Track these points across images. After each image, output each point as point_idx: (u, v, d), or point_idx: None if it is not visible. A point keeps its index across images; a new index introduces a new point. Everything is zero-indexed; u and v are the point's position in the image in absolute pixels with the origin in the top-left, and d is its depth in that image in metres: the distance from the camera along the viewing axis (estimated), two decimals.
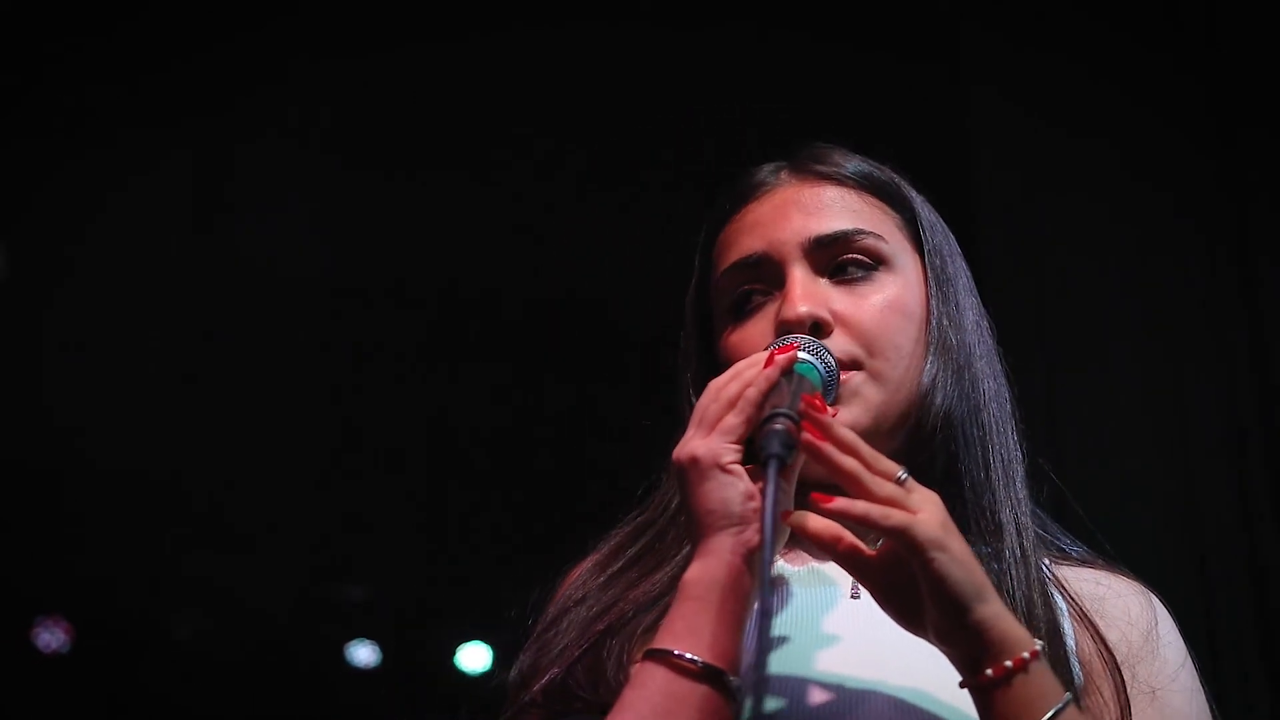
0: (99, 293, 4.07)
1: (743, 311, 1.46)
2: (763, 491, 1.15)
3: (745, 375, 1.26)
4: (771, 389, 1.24)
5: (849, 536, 1.19)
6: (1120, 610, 1.41)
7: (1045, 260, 3.89)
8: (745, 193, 1.52)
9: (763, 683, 1.07)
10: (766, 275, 1.45)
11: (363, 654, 4.18)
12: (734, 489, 1.20)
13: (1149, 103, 3.84)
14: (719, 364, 1.45)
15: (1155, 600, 1.46)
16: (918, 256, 1.49)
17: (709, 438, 1.22)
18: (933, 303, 1.47)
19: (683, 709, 1.15)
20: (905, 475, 1.19)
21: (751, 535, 1.19)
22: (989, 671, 1.15)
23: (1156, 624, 1.42)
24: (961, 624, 1.15)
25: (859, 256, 1.44)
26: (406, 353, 4.12)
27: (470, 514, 4.28)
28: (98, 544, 4.07)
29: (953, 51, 3.95)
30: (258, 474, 4.09)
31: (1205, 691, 1.41)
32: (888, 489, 1.17)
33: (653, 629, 1.30)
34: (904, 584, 1.17)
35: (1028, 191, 3.91)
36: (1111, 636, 1.36)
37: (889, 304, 1.43)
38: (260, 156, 3.99)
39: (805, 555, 1.42)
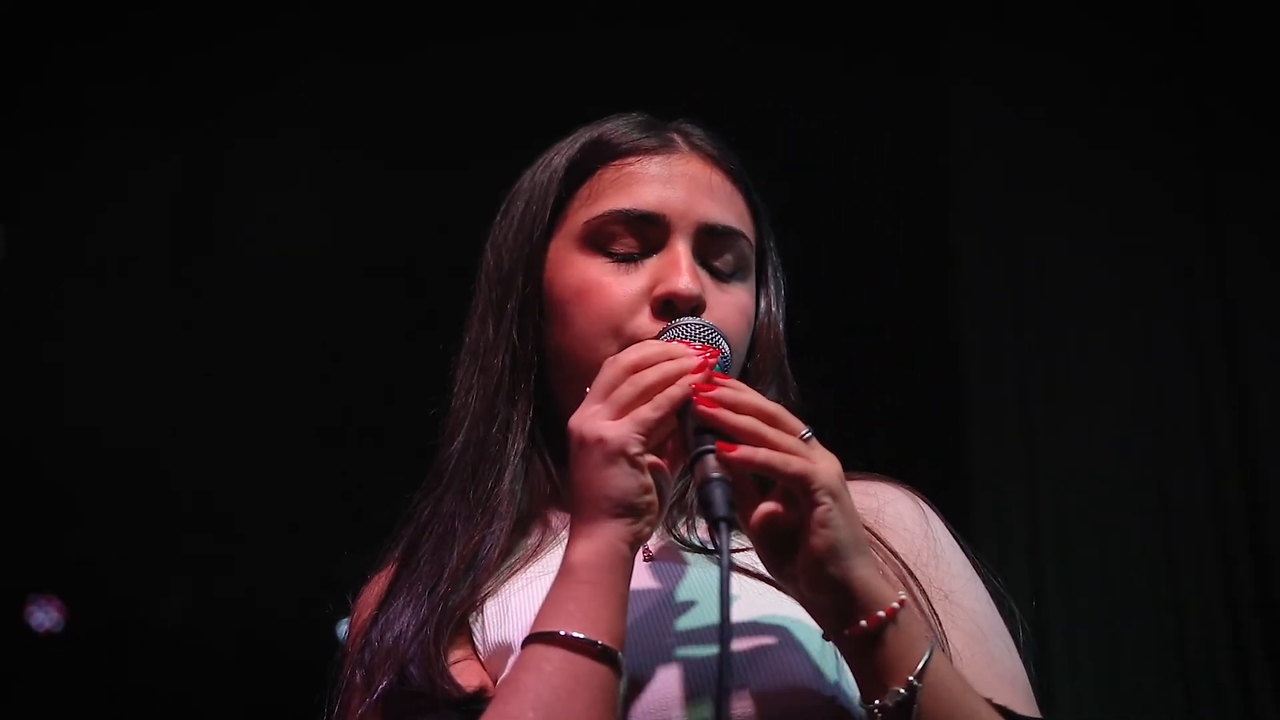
0: (96, 275, 4.09)
1: (611, 256, 1.44)
2: (718, 548, 1.14)
3: (666, 368, 1.25)
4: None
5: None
6: (894, 516, 1.43)
7: (1023, 245, 3.95)
8: (633, 143, 1.50)
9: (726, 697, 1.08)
10: (649, 235, 1.44)
11: None
12: (636, 480, 1.21)
13: (1128, 90, 3.90)
14: (555, 295, 1.46)
15: (920, 500, 1.49)
16: (757, 273, 1.53)
17: (620, 422, 1.22)
18: (759, 324, 1.52)
19: (583, 689, 1.16)
20: (809, 434, 1.23)
21: (643, 528, 1.22)
22: (863, 623, 1.18)
23: (928, 524, 1.45)
24: (838, 573, 1.18)
25: (731, 259, 1.47)
26: (399, 335, 4.14)
27: None
28: (91, 523, 4.08)
29: (931, 43, 4.00)
30: (252, 454, 4.11)
31: (982, 573, 1.43)
32: (789, 441, 1.20)
33: (463, 621, 1.34)
34: (785, 533, 1.21)
35: (1005, 178, 3.97)
36: (897, 545, 1.40)
37: (742, 310, 1.46)
38: (254, 148, 4.03)
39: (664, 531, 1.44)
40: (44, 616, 4.25)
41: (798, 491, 1.19)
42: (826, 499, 1.18)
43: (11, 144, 3.79)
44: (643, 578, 1.38)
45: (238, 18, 3.78)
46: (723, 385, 1.25)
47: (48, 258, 4.06)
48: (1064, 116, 3.91)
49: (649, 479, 1.22)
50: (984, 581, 1.44)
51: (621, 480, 1.21)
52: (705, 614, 1.33)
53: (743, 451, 1.19)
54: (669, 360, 1.26)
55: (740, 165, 1.54)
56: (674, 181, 1.47)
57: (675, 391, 1.23)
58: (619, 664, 1.19)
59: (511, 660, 1.26)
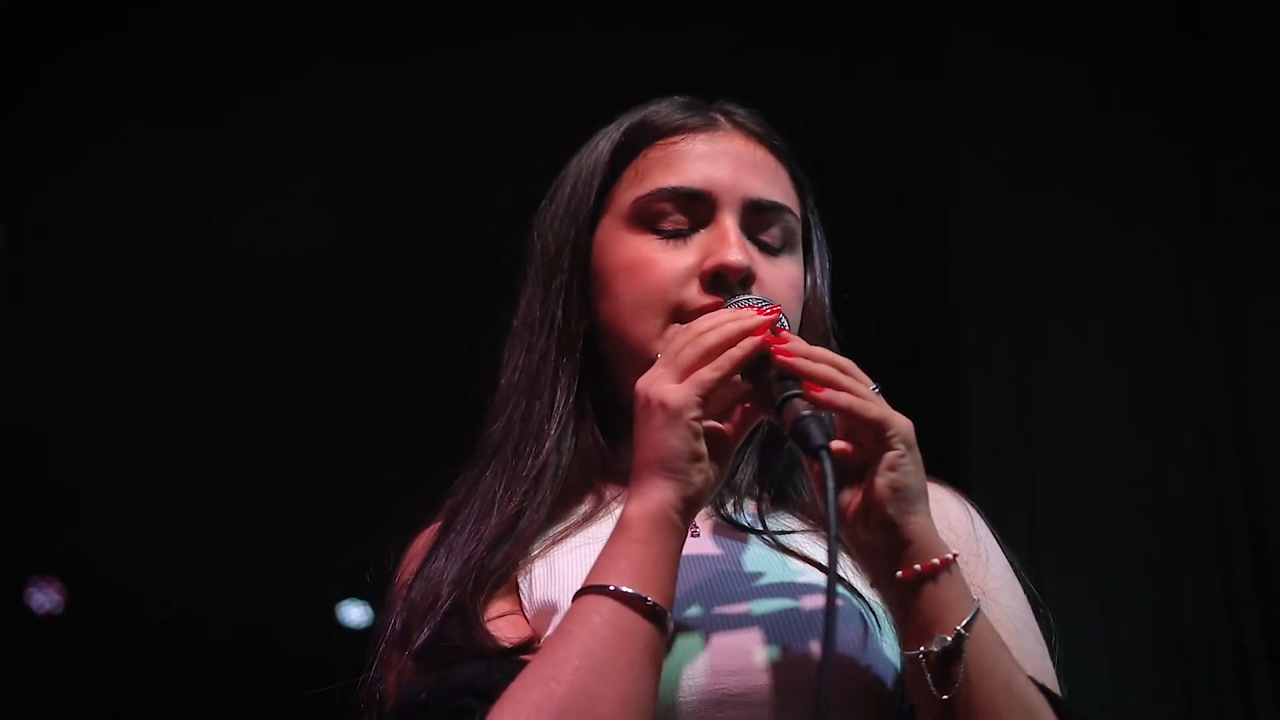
0: (98, 266, 4.11)
1: (660, 233, 1.47)
2: (822, 479, 1.17)
3: (728, 329, 1.27)
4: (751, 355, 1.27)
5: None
6: (940, 515, 1.43)
7: (1023, 245, 3.95)
8: (677, 122, 1.52)
9: (828, 673, 1.12)
10: (697, 211, 1.46)
11: (354, 614, 4.19)
12: (688, 446, 1.23)
13: (1128, 89, 3.90)
14: (605, 272, 1.49)
15: (967, 502, 1.52)
16: (803, 247, 1.54)
17: (681, 386, 1.24)
18: (809, 296, 1.54)
19: (630, 642, 1.19)
20: (878, 389, 1.26)
21: (693, 494, 1.24)
22: (917, 567, 1.21)
23: (974, 525, 1.48)
24: (899, 516, 1.21)
25: (778, 233, 1.48)
26: (399, 334, 4.16)
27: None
28: (90, 519, 4.08)
29: (932, 43, 4.00)
30: (250, 435, 4.12)
31: (1021, 578, 1.46)
32: (865, 390, 1.24)
33: (511, 580, 1.38)
34: (849, 472, 1.24)
35: (1005, 178, 3.97)
36: None
37: (792, 283, 1.48)
38: (254, 148, 4.04)
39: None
40: (44, 598, 4.25)
41: (871, 437, 1.22)
42: (900, 445, 1.22)
43: (12, 144, 3.80)
44: (699, 547, 1.41)
45: (238, 18, 3.79)
46: (795, 339, 1.28)
47: (48, 257, 4.06)
48: (1064, 116, 3.91)
49: (703, 447, 1.24)
50: (1023, 587, 1.46)
51: (675, 444, 1.23)
52: (766, 580, 1.36)
53: (827, 393, 1.23)
54: (733, 322, 1.28)
55: (783, 142, 1.56)
56: (719, 158, 1.48)
57: (736, 352, 1.26)
58: (666, 622, 1.21)
59: (556, 619, 1.28)
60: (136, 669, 4.12)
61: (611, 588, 1.20)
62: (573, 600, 1.23)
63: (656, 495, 1.24)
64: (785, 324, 1.37)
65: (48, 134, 3.88)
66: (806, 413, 1.21)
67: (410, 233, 4.07)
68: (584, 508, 1.48)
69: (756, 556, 1.41)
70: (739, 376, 1.27)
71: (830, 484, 1.15)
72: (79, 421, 4.05)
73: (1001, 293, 3.92)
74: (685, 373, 1.25)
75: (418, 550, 1.50)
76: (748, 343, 1.26)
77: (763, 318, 1.29)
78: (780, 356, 1.25)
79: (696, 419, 1.23)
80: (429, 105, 3.91)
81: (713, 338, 1.27)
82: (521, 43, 3.80)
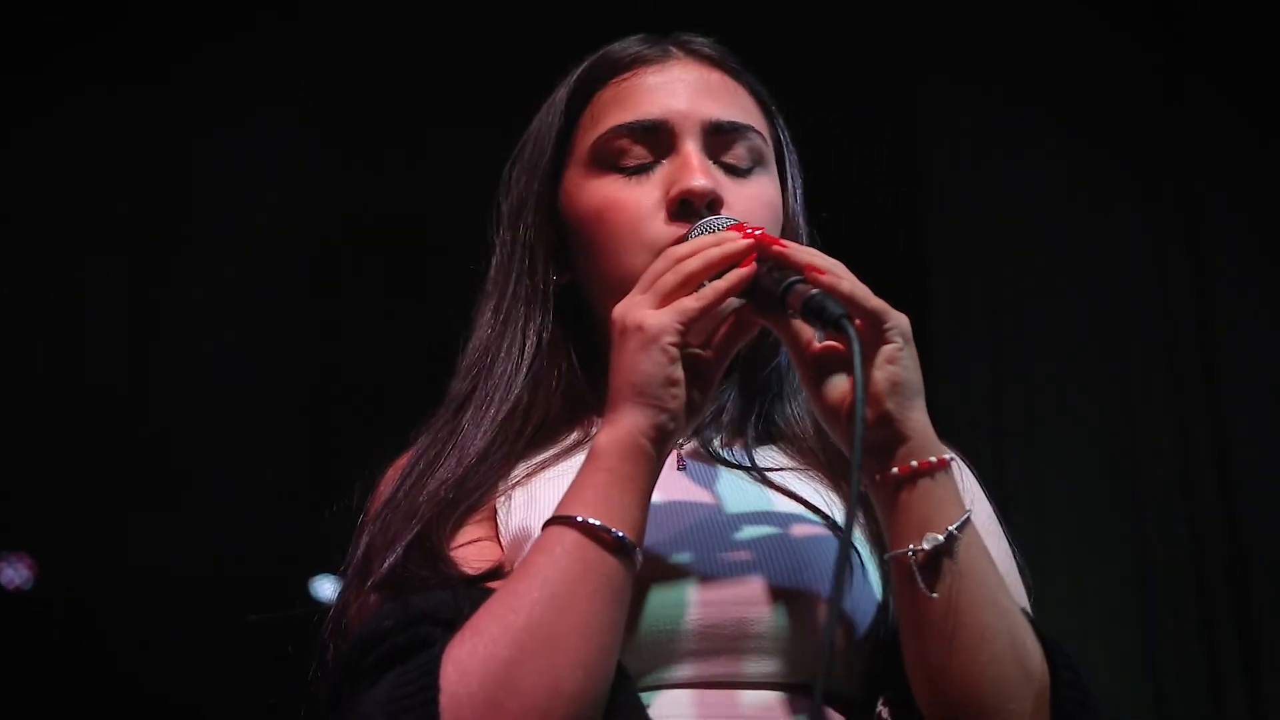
0: (70, 240, 4.11)
1: (623, 170, 1.44)
2: (848, 349, 1.15)
3: (709, 254, 1.25)
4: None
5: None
6: None
7: (995, 222, 3.97)
8: (630, 58, 1.50)
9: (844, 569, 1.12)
10: (657, 143, 1.44)
11: (327, 588, 4.20)
12: (663, 371, 1.20)
13: (1098, 67, 3.91)
14: (575, 220, 1.47)
15: (959, 457, 1.47)
16: (776, 167, 1.52)
17: (661, 311, 1.22)
18: (788, 213, 1.53)
19: (593, 576, 1.16)
20: None
21: (667, 422, 1.21)
22: (914, 463, 1.20)
23: (963, 480, 1.43)
24: (896, 410, 1.20)
25: (744, 152, 1.45)
26: (357, 298, 4.17)
27: None
28: (61, 479, 4.07)
29: (907, 26, 4.00)
30: (227, 407, 4.11)
31: (1007, 535, 1.44)
32: (861, 283, 1.22)
33: (479, 504, 1.36)
34: (839, 366, 1.24)
35: (977, 158, 3.98)
36: None
37: (766, 202, 1.45)
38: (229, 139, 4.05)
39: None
40: (14, 573, 4.24)
41: (868, 327, 1.20)
42: (899, 338, 1.20)
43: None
44: (690, 484, 1.40)
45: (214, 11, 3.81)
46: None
47: (26, 224, 4.05)
48: (1035, 98, 3.93)
49: (679, 372, 1.21)
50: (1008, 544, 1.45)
51: (653, 369, 1.20)
52: (759, 514, 1.36)
53: (829, 278, 1.20)
54: (714, 247, 1.26)
55: (743, 64, 1.54)
56: (673, 87, 1.47)
57: (722, 284, 1.23)
58: (633, 554, 1.19)
59: (529, 546, 1.26)
60: (107, 643, 4.12)
61: (577, 519, 1.18)
62: (540, 531, 1.21)
63: (628, 422, 1.21)
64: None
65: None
66: (814, 291, 1.19)
67: (389, 215, 4.08)
68: (569, 438, 1.46)
69: (747, 493, 1.39)
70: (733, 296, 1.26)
71: (856, 347, 1.14)
72: (52, 398, 4.04)
73: (977, 292, 3.94)
74: (665, 299, 1.23)
75: (387, 483, 1.48)
76: (734, 275, 1.24)
77: (745, 242, 1.26)
78: (776, 248, 1.24)
79: (674, 344, 1.20)
80: (419, 92, 3.92)
81: (694, 264, 1.24)
82: (495, 44, 3.80)
